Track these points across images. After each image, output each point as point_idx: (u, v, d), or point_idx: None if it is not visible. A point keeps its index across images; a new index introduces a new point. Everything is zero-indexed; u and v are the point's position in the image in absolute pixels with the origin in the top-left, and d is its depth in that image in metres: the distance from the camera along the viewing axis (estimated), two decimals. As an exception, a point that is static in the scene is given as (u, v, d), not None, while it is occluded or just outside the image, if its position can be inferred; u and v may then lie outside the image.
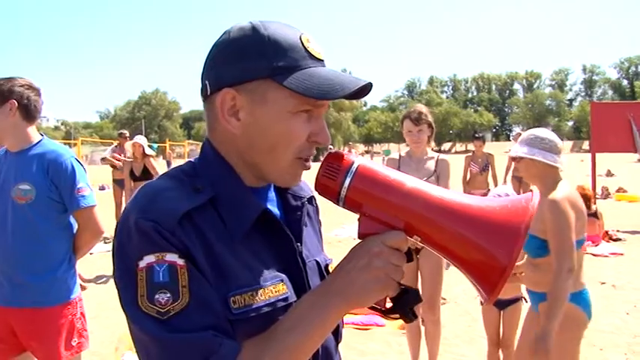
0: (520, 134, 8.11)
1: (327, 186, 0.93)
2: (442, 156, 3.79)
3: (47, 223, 2.38)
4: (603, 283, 6.25)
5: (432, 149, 3.81)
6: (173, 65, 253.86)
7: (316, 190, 0.96)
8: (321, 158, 0.98)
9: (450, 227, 0.86)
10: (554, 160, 2.64)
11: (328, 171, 0.92)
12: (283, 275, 0.96)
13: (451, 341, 4.51)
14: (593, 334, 4.60)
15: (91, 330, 4.53)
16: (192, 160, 1.01)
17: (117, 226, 0.90)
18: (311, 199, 1.13)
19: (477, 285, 0.86)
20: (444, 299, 5.55)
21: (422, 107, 3.78)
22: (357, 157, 0.94)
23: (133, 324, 0.85)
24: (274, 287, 0.93)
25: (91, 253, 8.03)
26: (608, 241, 8.55)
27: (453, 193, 0.90)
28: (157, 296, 0.82)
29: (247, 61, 0.91)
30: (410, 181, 0.90)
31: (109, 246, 8.40)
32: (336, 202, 0.93)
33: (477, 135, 9.52)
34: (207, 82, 0.96)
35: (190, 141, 63.29)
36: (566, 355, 2.74)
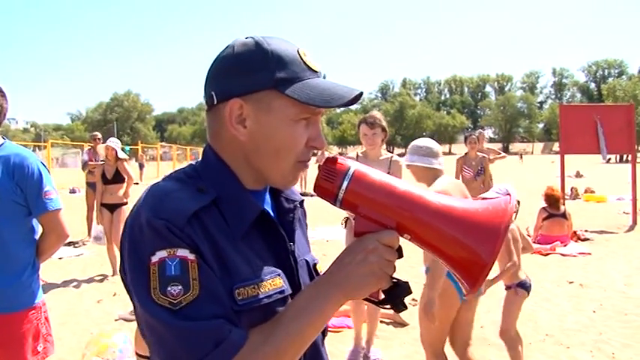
0: (472, 135, 7.90)
1: (326, 189, 1.00)
2: (395, 157, 4.11)
3: (11, 227, 2.33)
4: (571, 282, 6.38)
5: (389, 151, 4.10)
6: (146, 67, 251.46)
7: (315, 192, 1.03)
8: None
9: (437, 227, 0.94)
10: (430, 162, 3.17)
11: (327, 175, 1.00)
12: (279, 270, 1.03)
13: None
14: (560, 332, 4.70)
15: (60, 337, 4.48)
16: (193, 163, 1.08)
17: (126, 224, 0.96)
18: (301, 203, 1.21)
19: (460, 279, 0.94)
20: (416, 300, 5.60)
21: (377, 113, 4.17)
22: (353, 162, 1.02)
23: (148, 314, 0.90)
24: (272, 281, 1.00)
25: (60, 258, 7.97)
26: (576, 241, 8.72)
27: (440, 195, 0.98)
28: (169, 288, 0.88)
29: (253, 73, 0.99)
30: (402, 185, 0.99)
31: (79, 250, 8.30)
32: (334, 203, 1.00)
33: (467, 134, 8.02)
34: (212, 92, 1.03)
35: (163, 143, 62.68)
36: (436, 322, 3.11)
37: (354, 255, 0.95)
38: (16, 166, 2.31)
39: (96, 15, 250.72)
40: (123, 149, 7.79)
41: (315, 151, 1.11)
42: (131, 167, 7.50)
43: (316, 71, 1.03)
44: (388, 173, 3.85)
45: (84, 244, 9.15)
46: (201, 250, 0.92)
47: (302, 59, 1.01)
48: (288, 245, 1.07)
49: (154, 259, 0.89)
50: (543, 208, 8.58)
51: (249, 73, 0.99)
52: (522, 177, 24.31)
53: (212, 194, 0.99)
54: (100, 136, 10.03)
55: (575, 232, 8.98)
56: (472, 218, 0.92)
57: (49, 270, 6.96)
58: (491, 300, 5.64)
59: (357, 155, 4.21)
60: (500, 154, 8.49)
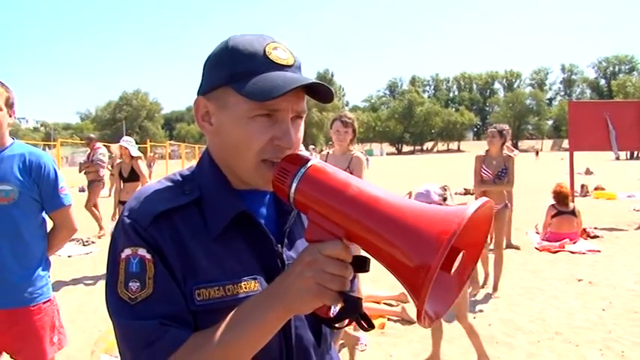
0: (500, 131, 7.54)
1: (279, 188, 0.94)
2: (357, 153, 4.44)
3: (29, 222, 2.44)
4: (580, 280, 6.33)
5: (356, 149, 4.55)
6: (155, 65, 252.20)
7: (274, 192, 0.97)
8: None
9: (380, 234, 0.84)
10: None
11: (280, 173, 0.93)
12: (257, 274, 1.01)
13: (430, 341, 4.52)
14: (569, 330, 4.67)
15: (68, 334, 4.49)
16: (194, 165, 1.11)
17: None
18: None
19: (409, 293, 0.83)
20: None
21: (351, 115, 4.57)
22: (314, 159, 0.94)
23: (108, 309, 0.97)
24: (246, 284, 0.98)
25: (69, 256, 8.03)
26: (585, 239, 8.65)
27: (397, 198, 0.87)
28: (130, 284, 0.94)
29: (213, 71, 1.01)
30: (355, 187, 0.88)
31: (88, 249, 8.35)
32: (289, 204, 0.94)
33: (491, 128, 6.53)
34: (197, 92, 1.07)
35: (172, 142, 62.82)
36: None
37: (294, 267, 0.89)
38: (33, 163, 2.42)
39: (105, 14, 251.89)
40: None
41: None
42: (145, 166, 7.54)
43: (284, 65, 0.98)
44: (347, 168, 4.27)
45: (93, 243, 9.22)
46: (162, 250, 0.95)
47: (265, 54, 0.97)
48: (275, 247, 1.03)
49: (123, 255, 0.95)
50: (552, 205, 8.52)
51: (211, 70, 1.01)
52: (532, 174, 24.18)
53: (194, 195, 1.01)
54: (94, 136, 10.23)
55: (584, 230, 8.91)
56: (416, 225, 0.82)
57: (58, 268, 7.01)
58: (499, 299, 5.64)
59: (328, 152, 4.66)
60: (513, 151, 8.30)
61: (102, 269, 7.35)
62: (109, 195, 19.39)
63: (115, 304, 0.95)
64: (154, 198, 1.00)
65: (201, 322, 0.95)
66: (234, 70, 0.97)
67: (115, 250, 0.97)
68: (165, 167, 32.59)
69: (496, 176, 6.05)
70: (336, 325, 0.93)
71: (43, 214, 2.52)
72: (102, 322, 5.11)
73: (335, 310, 0.95)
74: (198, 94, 1.05)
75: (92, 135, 10.44)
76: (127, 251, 0.95)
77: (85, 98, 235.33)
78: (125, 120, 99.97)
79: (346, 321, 0.91)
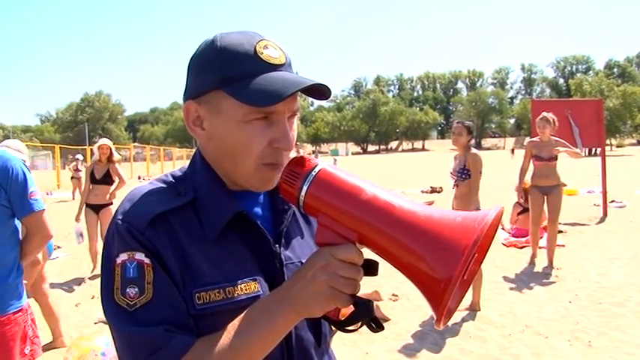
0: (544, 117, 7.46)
1: (287, 191, 0.91)
2: (302, 152, 4.69)
3: None
4: (547, 273, 6.50)
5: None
6: (117, 66, 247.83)
7: (280, 194, 0.95)
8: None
9: (397, 239, 0.83)
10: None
11: (288, 176, 0.91)
12: (257, 275, 0.98)
13: (404, 337, 4.59)
14: (538, 323, 4.79)
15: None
16: (185, 166, 1.08)
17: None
18: None
19: (427, 301, 0.83)
20: (396, 296, 5.66)
21: None
22: (321, 162, 0.92)
23: (106, 315, 0.93)
24: (245, 286, 0.96)
25: (35, 262, 7.80)
26: (550, 234, 8.85)
27: (410, 202, 0.86)
28: (127, 290, 0.90)
29: (202, 73, 0.96)
30: (369, 191, 0.87)
31: (54, 254, 8.05)
32: (298, 208, 0.92)
33: (455, 123, 5.56)
34: (183, 94, 1.02)
35: (136, 144, 61.86)
36: None
37: (306, 270, 0.87)
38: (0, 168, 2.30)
39: (66, 13, 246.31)
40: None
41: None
42: (123, 168, 7.34)
43: (276, 64, 0.94)
44: None
45: (59, 247, 9.01)
46: (160, 254, 0.91)
47: (257, 54, 0.93)
48: (272, 247, 1.01)
49: (118, 260, 0.92)
50: (517, 202, 8.71)
51: (200, 73, 0.96)
52: (499, 171, 24.63)
53: (189, 196, 0.98)
54: None
55: (548, 225, 9.11)
56: (435, 232, 0.80)
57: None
58: (470, 294, 5.73)
59: None
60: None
61: (69, 275, 7.23)
62: (73, 199, 19.07)
63: (113, 311, 0.91)
64: (148, 200, 0.96)
65: (202, 326, 0.92)
66: (226, 73, 0.93)
67: (110, 256, 0.93)
68: (130, 170, 32.09)
69: (457, 177, 5.41)
70: (348, 328, 0.91)
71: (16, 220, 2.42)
72: (72, 329, 5.02)
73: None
74: (185, 98, 1.00)
75: None
76: (123, 256, 0.91)
77: (45, 100, 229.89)
78: (87, 122, 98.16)
79: (359, 323, 0.90)
